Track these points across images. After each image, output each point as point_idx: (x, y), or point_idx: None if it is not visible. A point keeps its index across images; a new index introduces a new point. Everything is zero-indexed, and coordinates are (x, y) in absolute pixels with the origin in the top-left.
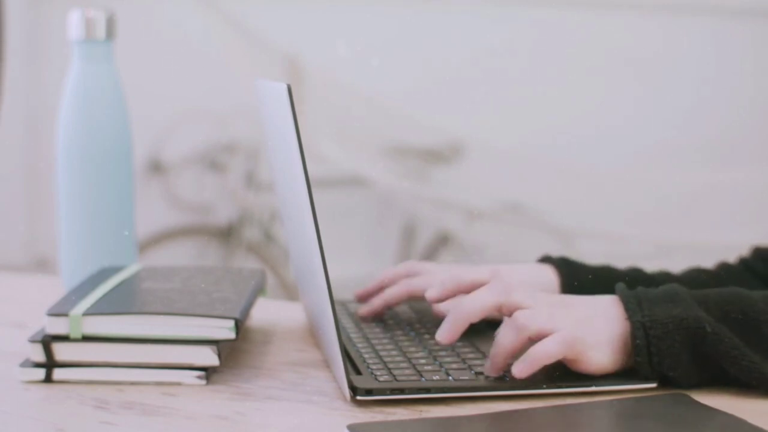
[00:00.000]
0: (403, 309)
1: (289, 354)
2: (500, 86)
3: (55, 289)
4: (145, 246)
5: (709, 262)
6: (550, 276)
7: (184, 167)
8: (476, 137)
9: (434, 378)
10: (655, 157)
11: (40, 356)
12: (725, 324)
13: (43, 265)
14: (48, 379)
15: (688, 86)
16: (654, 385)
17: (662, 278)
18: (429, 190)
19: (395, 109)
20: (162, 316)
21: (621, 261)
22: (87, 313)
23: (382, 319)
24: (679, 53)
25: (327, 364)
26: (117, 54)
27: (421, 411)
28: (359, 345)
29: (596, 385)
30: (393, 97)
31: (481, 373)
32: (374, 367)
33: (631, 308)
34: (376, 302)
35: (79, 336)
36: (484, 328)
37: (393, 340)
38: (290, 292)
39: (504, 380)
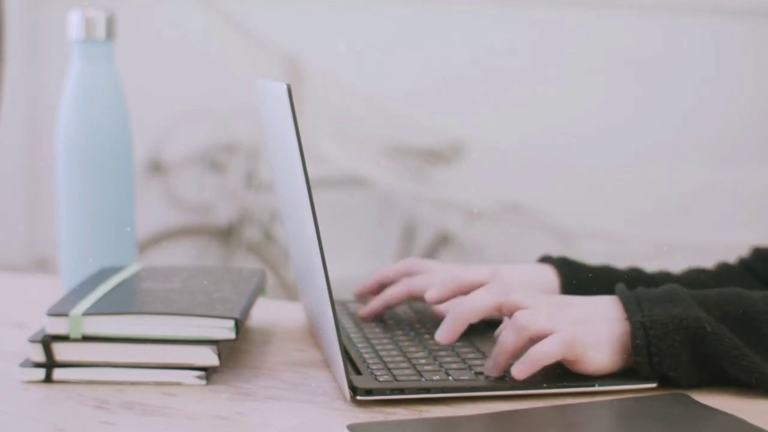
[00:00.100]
0: (403, 309)
1: (289, 354)
2: (500, 86)
3: (55, 289)
4: (145, 246)
5: (709, 262)
6: (550, 276)
7: (184, 167)
8: (476, 137)
9: (434, 378)
10: (655, 157)
11: (40, 356)
12: (725, 324)
13: (43, 265)
14: (48, 379)
15: (688, 86)
16: (654, 385)
17: (662, 278)
18: (429, 190)
19: (395, 109)
20: (162, 316)
21: (621, 261)
22: (87, 313)
23: (382, 319)
24: (679, 53)
25: (327, 364)
26: (117, 54)
27: (421, 411)
28: (359, 345)
29: (596, 385)
30: (393, 97)
31: (481, 373)
32: (374, 367)
33: (630, 308)
34: (376, 303)
35: (79, 336)
36: (484, 328)
37: (393, 340)
38: (290, 292)
39: (504, 380)
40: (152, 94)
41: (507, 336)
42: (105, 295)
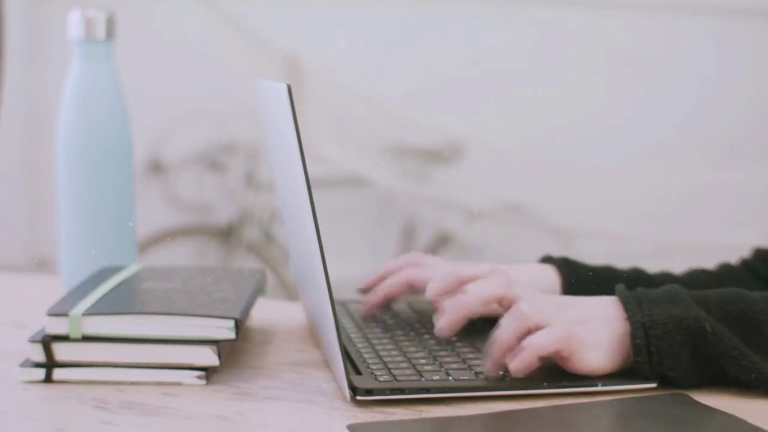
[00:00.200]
0: (403, 309)
1: (289, 354)
2: (500, 86)
3: (55, 289)
4: (145, 246)
5: (709, 263)
6: (551, 276)
7: (184, 167)
8: (476, 137)
9: (434, 378)
10: (655, 157)
11: (40, 356)
12: (725, 324)
13: (43, 265)
14: (48, 379)
15: (688, 86)
16: (654, 385)
17: (663, 279)
18: (429, 190)
19: (395, 109)
20: (162, 316)
21: (621, 261)
22: (87, 313)
23: (382, 319)
24: (679, 53)
25: (327, 364)
26: (117, 54)
27: (421, 411)
28: (359, 345)
29: (596, 385)
30: (393, 97)
31: (481, 373)
32: (374, 367)
33: (630, 309)
34: (377, 293)
35: (79, 336)
36: (484, 328)
37: (393, 340)
38: (290, 292)
39: (504, 380)
40: (152, 94)
41: (507, 327)
42: (105, 295)
